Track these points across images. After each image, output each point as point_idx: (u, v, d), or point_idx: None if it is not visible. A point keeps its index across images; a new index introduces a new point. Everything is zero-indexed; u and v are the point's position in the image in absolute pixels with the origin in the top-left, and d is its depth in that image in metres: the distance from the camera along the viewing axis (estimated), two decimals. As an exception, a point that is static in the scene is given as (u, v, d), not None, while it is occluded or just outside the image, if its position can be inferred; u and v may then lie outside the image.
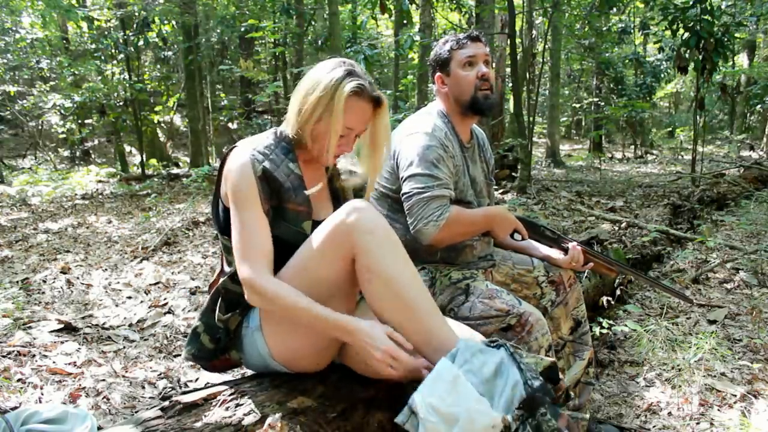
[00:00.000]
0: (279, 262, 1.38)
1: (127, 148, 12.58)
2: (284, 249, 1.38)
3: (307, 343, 1.38)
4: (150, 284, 3.52)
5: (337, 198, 1.56)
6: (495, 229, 1.83)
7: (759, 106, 12.54)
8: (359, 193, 1.61)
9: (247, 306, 1.42)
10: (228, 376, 1.98)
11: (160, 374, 2.30)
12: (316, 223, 1.40)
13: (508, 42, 7.13)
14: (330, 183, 1.57)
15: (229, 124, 12.81)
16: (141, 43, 9.65)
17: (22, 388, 2.05)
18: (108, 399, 2.05)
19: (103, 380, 2.18)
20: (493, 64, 1.93)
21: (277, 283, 1.32)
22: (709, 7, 6.03)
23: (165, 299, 3.19)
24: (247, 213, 1.34)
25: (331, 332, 1.30)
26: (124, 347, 2.57)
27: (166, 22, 9.90)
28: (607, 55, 12.65)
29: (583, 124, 18.48)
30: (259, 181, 1.35)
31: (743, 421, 1.88)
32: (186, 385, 2.22)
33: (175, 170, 10.29)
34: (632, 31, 14.08)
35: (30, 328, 2.63)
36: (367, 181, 1.58)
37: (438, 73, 1.89)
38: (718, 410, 1.97)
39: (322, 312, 1.28)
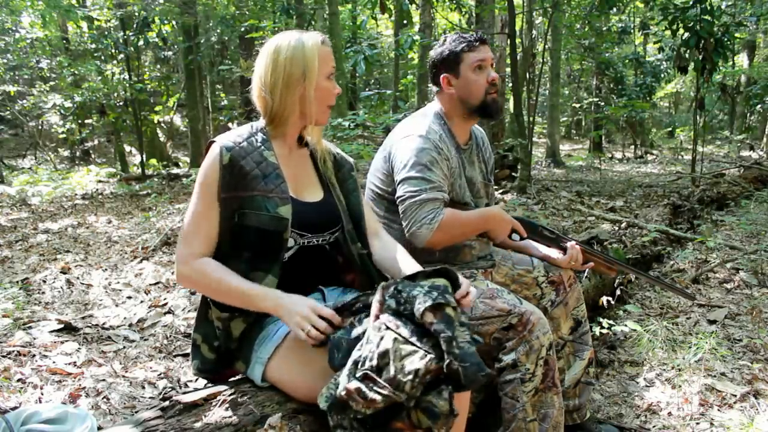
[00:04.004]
0: (259, 252, 1.39)
1: (127, 148, 12.58)
2: (264, 238, 1.39)
3: (303, 390, 1.35)
4: (150, 284, 3.52)
5: (325, 184, 1.57)
6: (491, 230, 1.84)
7: (759, 106, 12.53)
8: (343, 172, 1.62)
9: (256, 316, 1.41)
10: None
11: (160, 374, 2.30)
12: (297, 202, 1.43)
13: (508, 42, 7.13)
14: (317, 169, 1.58)
15: (229, 124, 12.80)
16: (141, 43, 9.65)
17: (22, 388, 2.05)
18: (108, 399, 2.05)
19: (103, 380, 2.18)
20: (493, 64, 1.94)
21: (207, 262, 1.37)
22: (709, 7, 6.03)
23: (165, 299, 3.19)
24: (200, 201, 1.39)
25: (258, 305, 1.34)
26: (124, 347, 2.57)
27: (166, 22, 9.89)
28: (607, 55, 12.65)
29: (583, 124, 18.48)
30: (222, 169, 1.38)
31: (743, 421, 1.88)
32: (186, 385, 2.21)
33: (175, 170, 10.29)
34: (632, 31, 14.08)
35: (30, 328, 2.63)
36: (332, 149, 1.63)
37: (444, 74, 1.87)
38: (718, 410, 1.97)
39: (248, 288, 1.34)
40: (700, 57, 6.19)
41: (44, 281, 3.57)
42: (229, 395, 1.34)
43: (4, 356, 2.29)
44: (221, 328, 1.42)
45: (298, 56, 1.41)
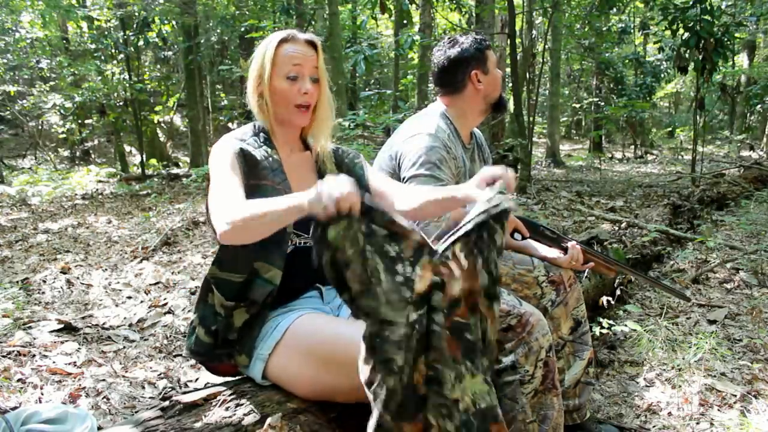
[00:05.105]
0: (266, 242, 1.28)
1: (127, 148, 12.58)
2: None
3: (304, 387, 1.35)
4: (150, 284, 3.52)
5: None
6: None
7: (759, 106, 12.51)
8: (353, 170, 1.57)
9: (260, 307, 1.39)
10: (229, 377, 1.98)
11: (160, 374, 2.30)
12: None
13: (508, 42, 7.13)
14: (319, 171, 1.56)
15: (229, 124, 12.80)
16: (141, 43, 9.66)
17: (22, 388, 2.05)
18: (108, 399, 2.05)
19: (103, 380, 2.18)
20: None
21: (239, 207, 1.22)
22: (709, 7, 6.03)
23: (165, 299, 3.19)
24: (221, 173, 1.33)
25: (295, 216, 1.14)
26: (124, 347, 2.57)
27: (166, 22, 9.90)
28: (607, 55, 12.65)
29: (583, 124, 18.47)
30: (237, 156, 1.38)
31: (743, 421, 1.88)
32: (186, 385, 2.22)
33: (175, 170, 10.29)
34: (632, 31, 14.08)
35: (30, 328, 2.63)
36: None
37: (475, 70, 1.88)
38: (718, 410, 1.97)
39: (282, 205, 1.14)
40: (700, 57, 6.19)
41: (44, 281, 3.57)
42: (229, 395, 1.34)
43: (4, 356, 2.29)
44: (223, 316, 1.40)
45: (259, 56, 1.44)
